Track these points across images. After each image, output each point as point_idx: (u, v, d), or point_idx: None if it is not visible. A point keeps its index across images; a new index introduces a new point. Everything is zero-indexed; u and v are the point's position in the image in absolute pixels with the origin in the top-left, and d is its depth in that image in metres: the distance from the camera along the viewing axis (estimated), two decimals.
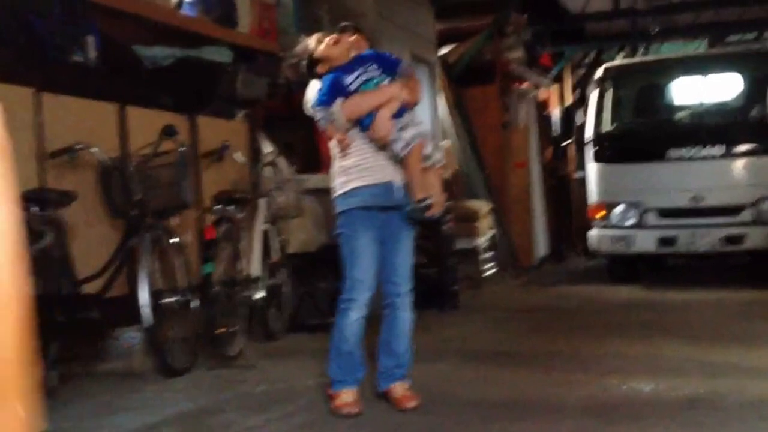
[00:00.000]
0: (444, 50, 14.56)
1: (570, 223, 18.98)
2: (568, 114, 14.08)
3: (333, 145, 5.59)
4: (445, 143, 13.67)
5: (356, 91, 5.43)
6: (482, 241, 13.15)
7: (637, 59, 19.69)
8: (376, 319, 5.64)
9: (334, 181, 5.63)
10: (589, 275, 14.60)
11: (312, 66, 5.58)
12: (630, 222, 12.19)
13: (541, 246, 16.42)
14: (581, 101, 20.50)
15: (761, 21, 19.59)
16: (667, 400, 5.61)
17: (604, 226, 12.37)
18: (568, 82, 20.73)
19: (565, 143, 17.90)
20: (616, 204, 12.27)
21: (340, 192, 5.56)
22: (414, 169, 5.41)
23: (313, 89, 5.61)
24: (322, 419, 5.45)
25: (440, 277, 10.50)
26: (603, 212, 12.39)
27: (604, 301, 11.19)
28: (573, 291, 12.60)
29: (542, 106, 17.80)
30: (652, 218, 12.11)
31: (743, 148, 12.03)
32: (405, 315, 5.65)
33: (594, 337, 8.23)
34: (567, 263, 17.23)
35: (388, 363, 5.64)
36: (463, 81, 15.03)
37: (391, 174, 5.50)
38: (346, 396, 5.55)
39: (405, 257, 5.66)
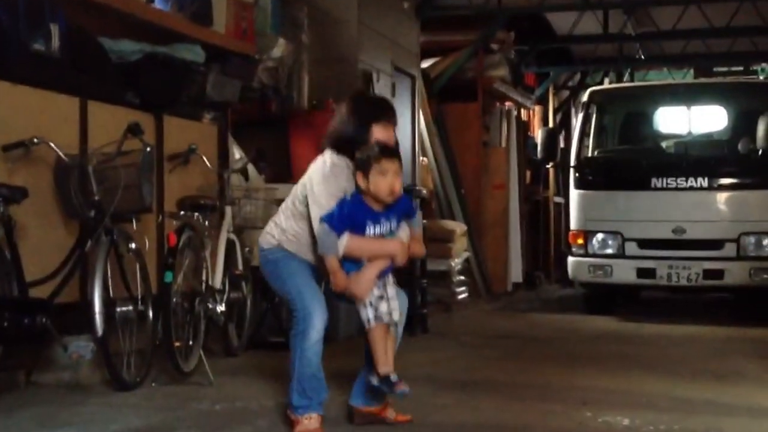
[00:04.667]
0: (426, 63, 14.26)
1: (546, 250, 18.74)
2: (550, 136, 13.71)
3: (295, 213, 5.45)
4: (423, 160, 13.38)
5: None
6: (456, 263, 12.84)
7: (624, 84, 19.55)
8: (340, 343, 5.36)
9: (278, 227, 5.49)
10: (564, 304, 14.53)
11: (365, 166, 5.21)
12: (609, 251, 11.95)
13: (516, 272, 16.09)
14: (564, 124, 20.33)
15: (750, 54, 19.53)
16: None
17: (583, 254, 12.12)
18: (552, 104, 20.53)
19: (546, 166, 17.62)
20: (596, 232, 12.04)
21: (278, 244, 5.45)
22: (378, 344, 5.24)
23: (325, 166, 5.33)
24: None
25: (410, 299, 10.10)
26: (582, 240, 12.13)
27: (579, 331, 11.02)
28: (547, 319, 12.46)
29: (524, 127, 17.52)
30: (631, 248, 11.86)
31: (728, 181, 11.87)
32: (398, 334, 5.54)
33: (568, 367, 8.10)
34: (541, 291, 17.07)
35: None
36: (444, 97, 14.76)
37: None
38: (309, 422, 5.29)
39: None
